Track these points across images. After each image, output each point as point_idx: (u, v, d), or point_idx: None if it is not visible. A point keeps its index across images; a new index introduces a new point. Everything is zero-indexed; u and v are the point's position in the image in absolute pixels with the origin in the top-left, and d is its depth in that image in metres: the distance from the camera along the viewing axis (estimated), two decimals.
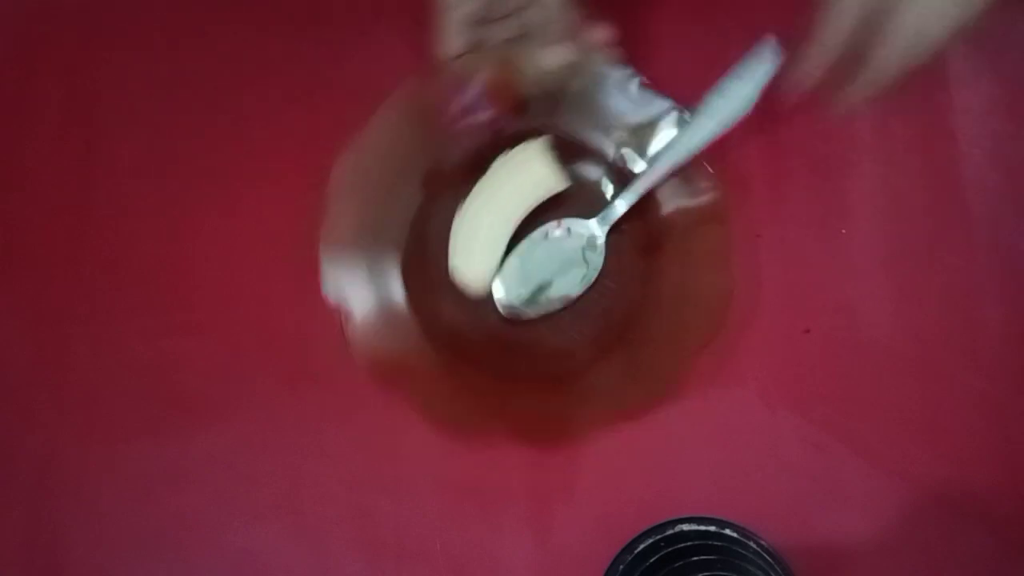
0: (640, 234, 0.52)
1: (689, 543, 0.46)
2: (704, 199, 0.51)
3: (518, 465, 0.49)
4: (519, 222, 0.51)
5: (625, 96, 0.52)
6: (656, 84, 0.52)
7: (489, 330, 0.51)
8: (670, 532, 0.47)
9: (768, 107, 0.53)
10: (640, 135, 0.52)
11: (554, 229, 0.51)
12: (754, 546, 0.45)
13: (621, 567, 0.46)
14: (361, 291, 0.51)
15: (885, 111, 0.55)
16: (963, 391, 0.50)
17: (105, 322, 0.52)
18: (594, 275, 0.51)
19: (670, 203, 0.52)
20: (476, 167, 0.51)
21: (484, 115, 0.51)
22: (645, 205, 0.51)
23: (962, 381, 0.50)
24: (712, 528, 0.46)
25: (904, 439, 0.49)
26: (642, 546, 0.46)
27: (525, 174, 0.50)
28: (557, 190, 0.51)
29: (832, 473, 0.49)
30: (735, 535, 0.46)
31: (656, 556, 0.46)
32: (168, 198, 0.55)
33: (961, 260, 0.52)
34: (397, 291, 0.51)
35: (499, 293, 0.51)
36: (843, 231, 0.53)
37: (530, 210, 0.51)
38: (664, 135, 0.52)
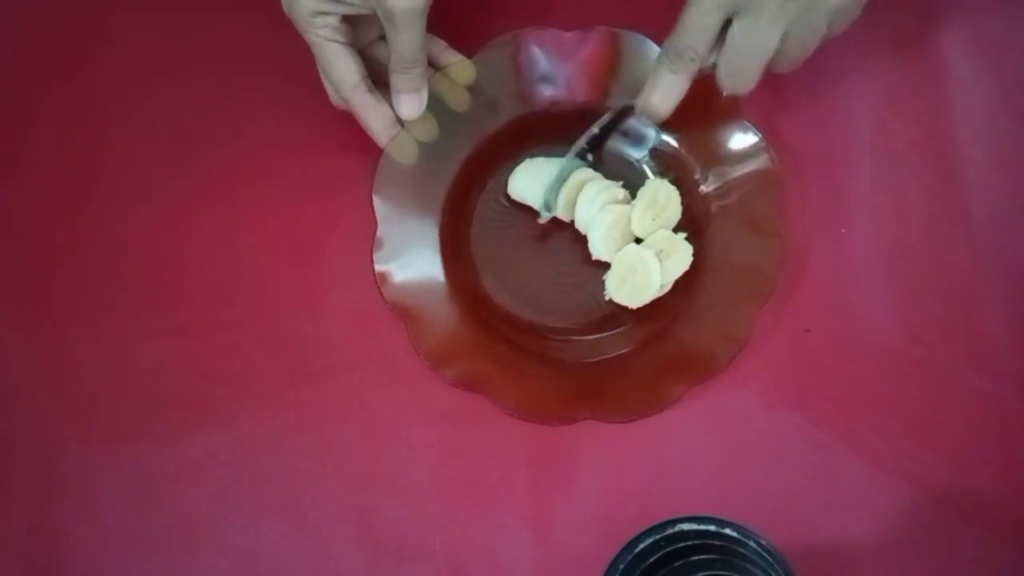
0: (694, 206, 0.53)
1: (689, 543, 0.46)
2: (756, 164, 0.51)
3: (519, 465, 0.49)
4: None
5: None
6: None
7: (559, 318, 0.52)
8: (670, 532, 0.46)
9: (766, 108, 0.53)
10: None
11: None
12: (754, 546, 0.45)
13: (621, 567, 0.46)
14: (427, 301, 0.51)
15: (885, 111, 0.55)
16: (963, 391, 0.50)
17: (105, 322, 0.52)
18: None
19: (720, 174, 0.52)
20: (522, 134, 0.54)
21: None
22: (689, 182, 0.52)
23: (962, 381, 0.50)
24: (712, 528, 0.46)
25: (904, 439, 0.49)
26: (642, 545, 0.46)
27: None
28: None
29: (832, 473, 0.49)
30: (735, 535, 0.46)
31: (656, 556, 0.46)
32: (168, 198, 0.55)
33: (961, 260, 0.52)
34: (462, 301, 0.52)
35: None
36: (843, 231, 0.53)
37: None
38: None
